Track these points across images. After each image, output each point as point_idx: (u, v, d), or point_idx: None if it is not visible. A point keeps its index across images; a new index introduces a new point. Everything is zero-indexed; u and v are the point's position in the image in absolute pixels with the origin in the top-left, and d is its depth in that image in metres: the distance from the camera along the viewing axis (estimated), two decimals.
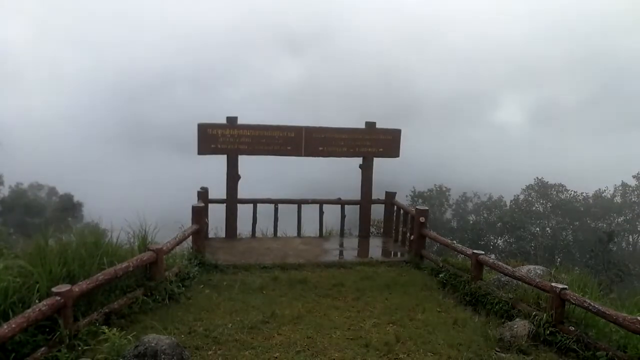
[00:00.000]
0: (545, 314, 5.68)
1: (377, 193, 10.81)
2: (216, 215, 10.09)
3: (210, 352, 5.04)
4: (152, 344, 4.24)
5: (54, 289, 4.75)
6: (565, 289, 5.57)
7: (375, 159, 10.50)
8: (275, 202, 10.52)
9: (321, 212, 10.71)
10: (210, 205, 9.78)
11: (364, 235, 10.85)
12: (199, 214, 8.41)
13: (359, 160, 10.55)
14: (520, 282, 6.55)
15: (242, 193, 10.18)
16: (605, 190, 55.99)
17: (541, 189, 55.01)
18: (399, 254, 9.72)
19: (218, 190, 10.09)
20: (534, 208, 54.27)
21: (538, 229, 52.24)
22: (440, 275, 7.84)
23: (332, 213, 10.84)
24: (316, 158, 10.40)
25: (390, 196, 10.79)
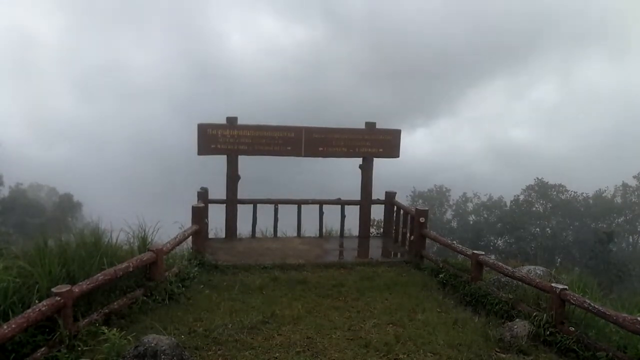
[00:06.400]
0: (545, 315, 5.67)
1: (377, 193, 10.81)
2: (216, 215, 10.09)
3: (210, 353, 5.03)
4: (152, 345, 4.24)
5: (53, 290, 4.75)
6: (565, 289, 5.57)
7: (375, 159, 10.50)
8: (275, 202, 10.52)
9: (321, 213, 10.71)
10: (210, 206, 9.78)
11: (364, 236, 10.85)
12: (199, 214, 8.40)
13: (359, 160, 10.56)
14: (520, 283, 6.55)
15: (241, 193, 10.18)
16: (605, 191, 56.03)
17: (541, 189, 55.03)
18: (399, 254, 9.72)
19: (218, 190, 10.09)
20: (534, 208, 54.30)
21: (538, 229, 52.29)
22: (440, 276, 7.83)
23: (332, 213, 10.84)
24: (316, 158, 10.41)
25: (390, 196, 10.79)
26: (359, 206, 10.78)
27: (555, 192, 54.74)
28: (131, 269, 5.92)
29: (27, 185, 55.23)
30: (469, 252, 7.55)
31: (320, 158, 10.43)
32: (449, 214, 57.83)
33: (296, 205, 10.64)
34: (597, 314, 5.17)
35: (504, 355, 5.27)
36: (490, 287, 6.92)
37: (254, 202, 10.34)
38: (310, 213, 10.77)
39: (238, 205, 10.18)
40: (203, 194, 9.69)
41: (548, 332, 5.54)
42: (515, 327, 5.58)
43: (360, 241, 10.69)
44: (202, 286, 7.11)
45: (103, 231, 6.54)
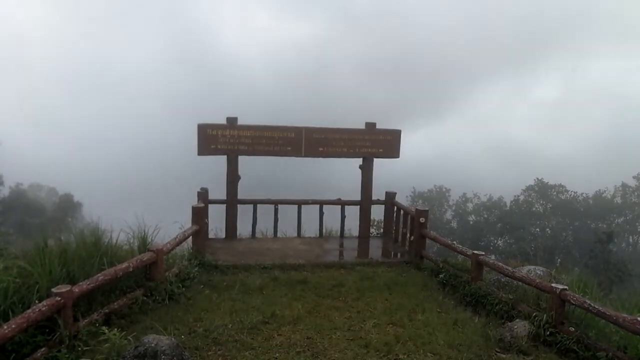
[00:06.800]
0: (545, 315, 5.68)
1: (377, 193, 10.81)
2: (216, 215, 10.09)
3: (210, 353, 5.04)
4: (152, 345, 4.24)
5: (53, 290, 4.75)
6: (565, 289, 5.57)
7: (375, 159, 10.50)
8: (275, 203, 10.52)
9: (321, 213, 10.70)
10: (210, 206, 9.78)
11: (364, 236, 10.85)
12: (199, 215, 8.40)
13: (359, 160, 10.56)
14: (520, 283, 6.55)
15: (241, 193, 10.18)
16: (605, 191, 56.04)
17: (541, 189, 55.04)
18: (399, 254, 9.72)
19: (218, 190, 10.09)
20: (534, 209, 54.32)
21: (538, 229, 52.34)
22: (440, 276, 7.84)
23: (332, 213, 10.84)
24: (316, 158, 10.41)
25: (390, 196, 10.79)
26: (359, 206, 10.78)
27: (555, 193, 54.76)
28: (131, 269, 5.92)
29: (27, 185, 55.19)
30: (469, 252, 7.55)
31: (320, 158, 10.43)
32: (448, 214, 57.85)
33: (296, 206, 10.64)
34: (597, 314, 5.17)
35: (504, 356, 5.27)
36: (490, 288, 6.92)
37: (254, 202, 10.34)
38: (310, 213, 10.78)
39: (238, 205, 10.18)
40: (203, 194, 9.69)
41: (548, 333, 5.54)
42: (515, 327, 5.59)
43: (360, 241, 10.69)
44: (202, 286, 7.11)
45: (103, 231, 6.54)
